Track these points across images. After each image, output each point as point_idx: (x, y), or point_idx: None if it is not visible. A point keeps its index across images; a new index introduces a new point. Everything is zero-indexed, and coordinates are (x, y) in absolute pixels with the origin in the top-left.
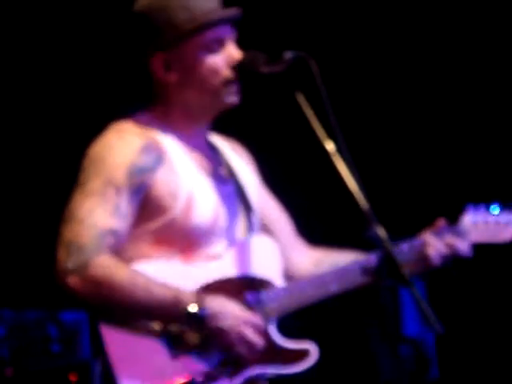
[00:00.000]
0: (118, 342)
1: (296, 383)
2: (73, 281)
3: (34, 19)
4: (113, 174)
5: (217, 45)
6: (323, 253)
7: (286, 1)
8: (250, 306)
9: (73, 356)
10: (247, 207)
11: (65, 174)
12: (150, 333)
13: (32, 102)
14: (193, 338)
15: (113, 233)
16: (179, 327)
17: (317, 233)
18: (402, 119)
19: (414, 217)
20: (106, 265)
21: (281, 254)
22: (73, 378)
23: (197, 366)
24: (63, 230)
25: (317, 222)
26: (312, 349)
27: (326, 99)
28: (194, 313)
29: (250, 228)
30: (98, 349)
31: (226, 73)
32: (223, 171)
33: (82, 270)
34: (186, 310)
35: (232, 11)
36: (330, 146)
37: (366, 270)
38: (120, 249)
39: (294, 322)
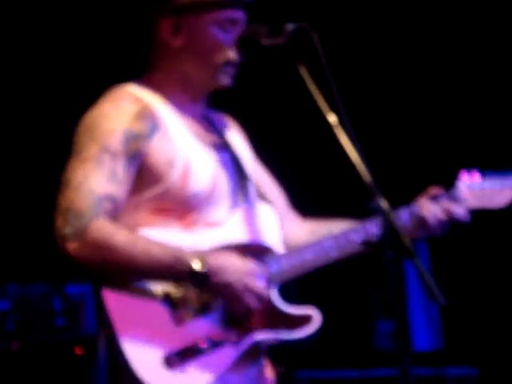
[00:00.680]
0: (121, 309)
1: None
2: (72, 246)
3: None
4: (108, 141)
5: (230, 24)
6: (316, 223)
7: None
8: None
9: (78, 330)
10: (243, 177)
11: (62, 144)
12: (153, 297)
13: (27, 72)
14: (196, 300)
15: (110, 198)
16: (181, 290)
17: (317, 205)
18: (401, 91)
19: (411, 184)
20: (104, 228)
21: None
22: (78, 351)
23: (200, 331)
24: (60, 198)
25: (318, 194)
26: (315, 314)
27: (327, 71)
28: (198, 269)
29: (247, 197)
30: (103, 319)
31: (230, 53)
32: (218, 140)
33: (81, 234)
34: (189, 267)
35: None
36: (332, 118)
37: (367, 241)
38: (119, 217)
39: (295, 289)
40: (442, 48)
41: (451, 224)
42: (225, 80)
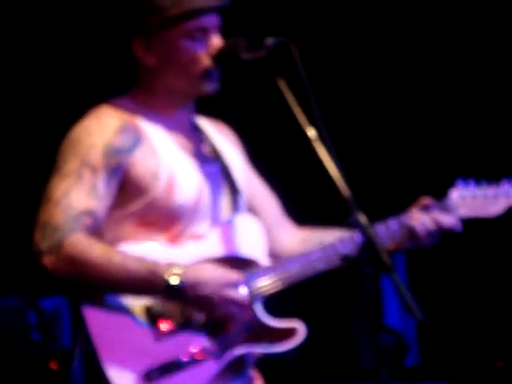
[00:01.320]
0: (100, 324)
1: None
2: (48, 261)
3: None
4: (89, 155)
5: (200, 33)
6: (309, 232)
7: None
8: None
9: (53, 344)
10: (233, 188)
11: (45, 161)
12: (133, 312)
13: (14, 90)
14: (177, 313)
15: (89, 213)
16: (162, 304)
17: (299, 217)
18: (383, 103)
19: (402, 195)
20: (80, 243)
21: (266, 234)
22: (53, 366)
23: (182, 344)
24: (40, 213)
25: (299, 208)
26: (299, 327)
27: (307, 85)
28: (173, 283)
29: (236, 208)
30: (80, 334)
31: (206, 62)
32: (207, 151)
33: (57, 249)
34: (164, 281)
35: (218, 0)
36: (311, 132)
37: (345, 256)
38: (103, 231)
39: (279, 304)
40: (431, 61)
41: (443, 234)
42: (209, 87)
